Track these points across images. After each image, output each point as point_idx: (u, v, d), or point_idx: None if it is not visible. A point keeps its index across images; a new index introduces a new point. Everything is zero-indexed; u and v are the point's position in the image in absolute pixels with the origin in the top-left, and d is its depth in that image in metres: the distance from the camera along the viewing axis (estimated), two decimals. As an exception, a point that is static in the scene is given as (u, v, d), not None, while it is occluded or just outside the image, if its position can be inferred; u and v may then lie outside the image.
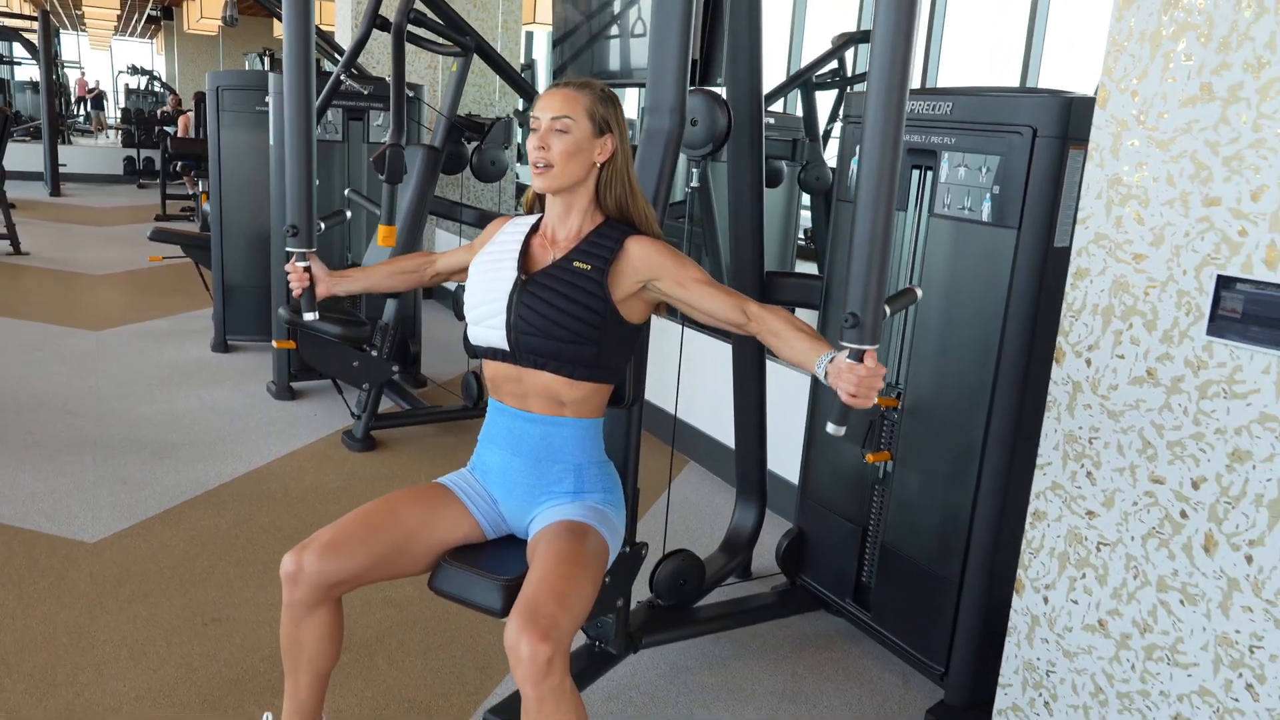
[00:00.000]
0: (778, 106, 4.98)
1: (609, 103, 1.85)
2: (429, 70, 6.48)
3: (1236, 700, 1.55)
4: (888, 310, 1.56)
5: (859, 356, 1.49)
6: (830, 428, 1.56)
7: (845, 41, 4.69)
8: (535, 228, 1.95)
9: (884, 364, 1.53)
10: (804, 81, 4.58)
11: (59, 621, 2.52)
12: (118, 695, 2.24)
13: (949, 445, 2.32)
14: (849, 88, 4.67)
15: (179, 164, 10.13)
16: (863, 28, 4.81)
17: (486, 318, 1.88)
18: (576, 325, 1.81)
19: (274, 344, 4.05)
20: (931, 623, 2.39)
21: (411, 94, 4.30)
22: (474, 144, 3.89)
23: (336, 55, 5.36)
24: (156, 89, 19.08)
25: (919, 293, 1.67)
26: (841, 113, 2.59)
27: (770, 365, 2.93)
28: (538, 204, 1.99)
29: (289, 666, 1.90)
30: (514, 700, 2.18)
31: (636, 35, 5.20)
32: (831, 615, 2.81)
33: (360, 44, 3.76)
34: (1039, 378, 2.20)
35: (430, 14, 3.65)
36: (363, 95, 4.16)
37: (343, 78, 3.80)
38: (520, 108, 5.94)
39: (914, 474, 2.42)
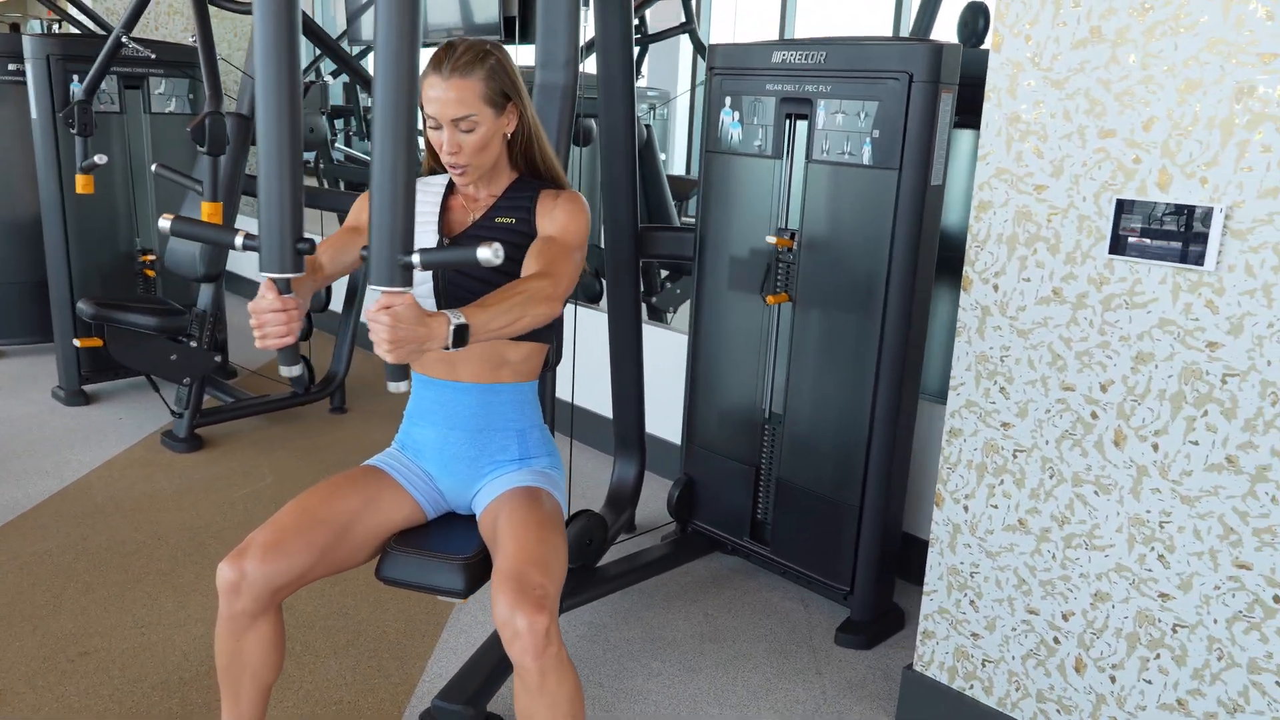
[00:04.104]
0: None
1: (500, 71, 1.69)
2: (235, 37, 5.89)
3: (1150, 570, 1.77)
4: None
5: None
6: (390, 385, 1.42)
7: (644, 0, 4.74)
8: (449, 189, 1.85)
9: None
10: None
11: (-117, 684, 2.16)
12: (-9, 753, 1.96)
13: (840, 384, 2.45)
14: (647, 46, 4.76)
15: None
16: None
17: (412, 285, 1.77)
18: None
19: (76, 343, 3.59)
20: (833, 548, 2.54)
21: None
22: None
23: (85, 13, 4.77)
24: None
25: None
26: (708, 64, 2.62)
27: (646, 326, 2.96)
28: (438, 165, 1.90)
29: (229, 684, 1.74)
30: (461, 682, 2.12)
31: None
32: (726, 555, 2.91)
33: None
34: (921, 308, 2.38)
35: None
36: (149, 60, 3.73)
37: (124, 39, 3.39)
38: (329, 72, 5.54)
39: (805, 413, 2.54)
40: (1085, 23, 1.71)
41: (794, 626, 2.58)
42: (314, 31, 3.58)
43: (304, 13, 1.48)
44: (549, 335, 1.86)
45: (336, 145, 6.20)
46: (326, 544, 1.71)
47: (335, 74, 5.44)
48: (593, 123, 4.89)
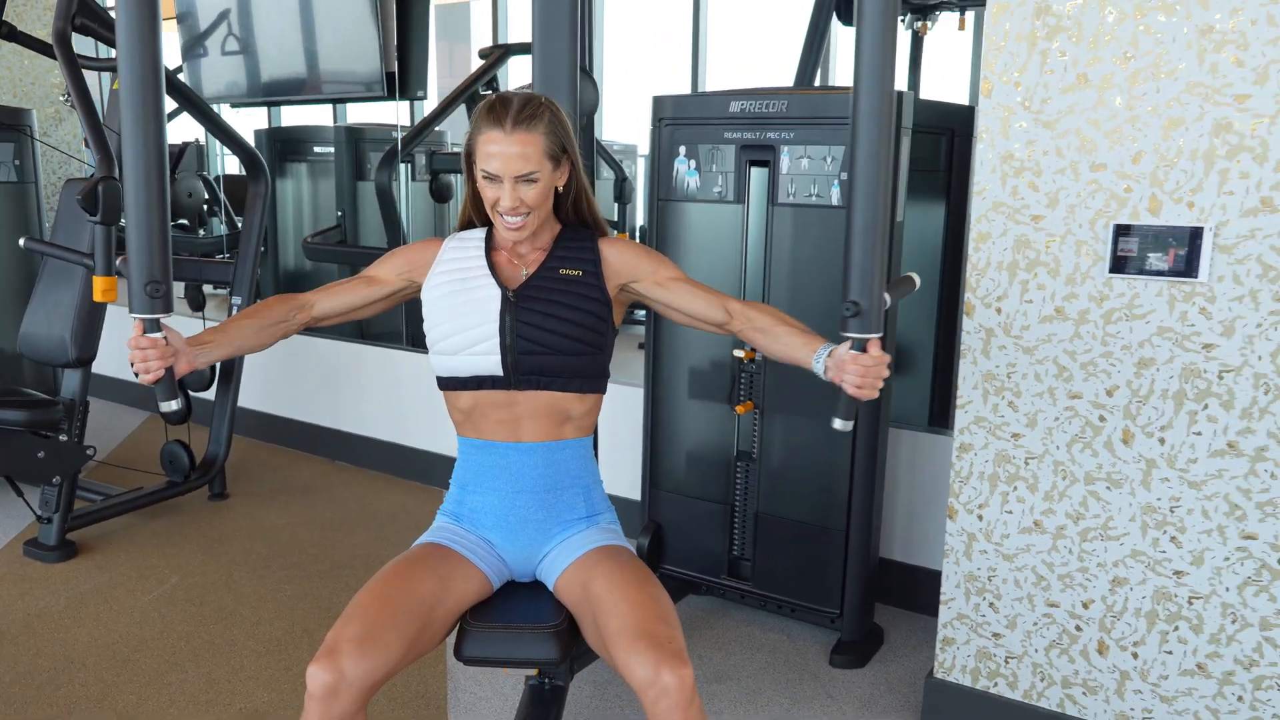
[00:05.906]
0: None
1: (558, 124, 1.69)
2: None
3: (1164, 552, 1.98)
4: (888, 298, 1.57)
5: (861, 346, 1.51)
6: (837, 424, 1.56)
7: (501, 54, 4.75)
8: (488, 244, 1.80)
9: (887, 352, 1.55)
10: (470, 95, 4.57)
11: None
12: None
13: (817, 416, 2.56)
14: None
15: None
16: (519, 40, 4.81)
17: (473, 344, 1.71)
18: (584, 333, 1.73)
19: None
20: (820, 574, 2.62)
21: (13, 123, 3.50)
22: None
23: None
24: None
25: (917, 280, 1.82)
26: (655, 115, 2.69)
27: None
28: (478, 217, 1.85)
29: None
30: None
31: (230, 52, 4.77)
32: (699, 596, 2.93)
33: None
34: (890, 339, 2.54)
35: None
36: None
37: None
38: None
39: (782, 446, 2.63)
40: (1072, 70, 1.92)
41: (787, 657, 2.63)
42: (177, 88, 3.31)
43: (166, 68, 1.58)
44: (605, 385, 1.83)
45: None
46: (414, 632, 1.60)
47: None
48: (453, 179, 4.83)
